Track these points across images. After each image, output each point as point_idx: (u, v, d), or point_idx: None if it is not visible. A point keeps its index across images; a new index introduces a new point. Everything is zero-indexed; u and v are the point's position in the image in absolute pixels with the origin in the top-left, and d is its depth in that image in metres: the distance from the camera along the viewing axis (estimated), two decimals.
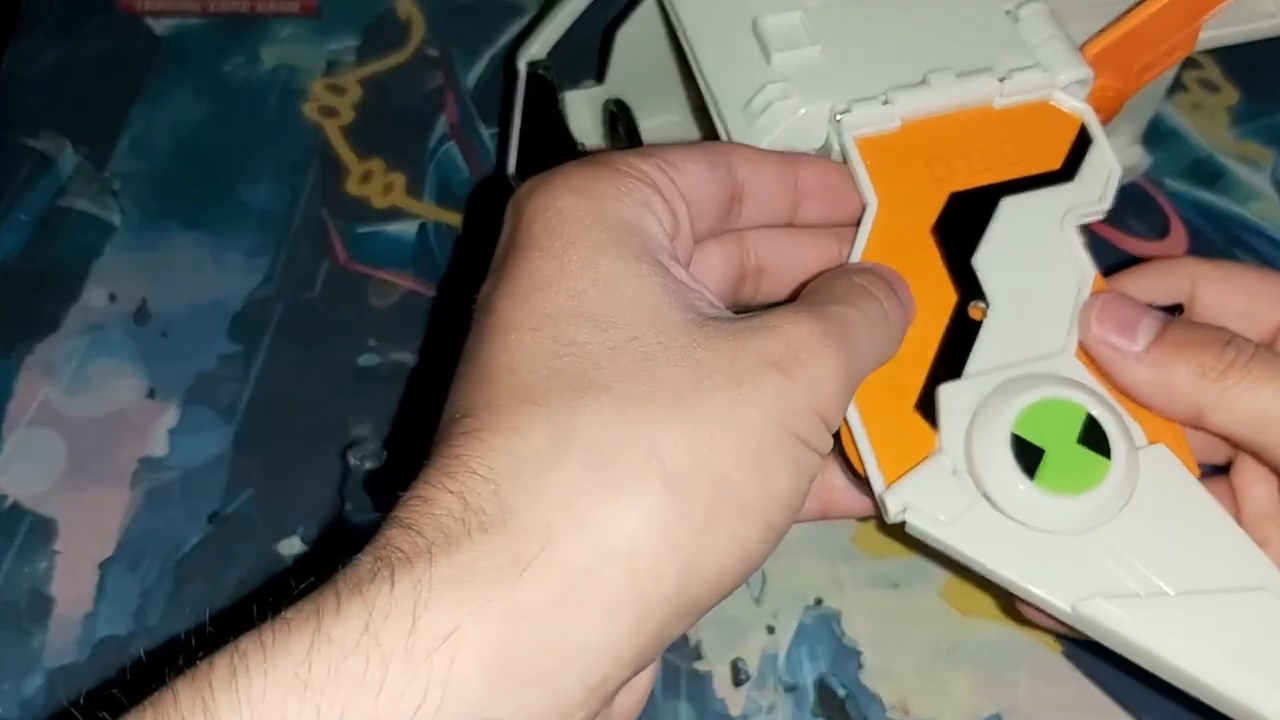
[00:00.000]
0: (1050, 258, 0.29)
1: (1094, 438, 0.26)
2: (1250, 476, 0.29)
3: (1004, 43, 0.32)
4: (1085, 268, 0.29)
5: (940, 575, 0.38)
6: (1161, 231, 0.46)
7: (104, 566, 0.38)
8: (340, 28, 0.51)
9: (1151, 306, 0.29)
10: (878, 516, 0.27)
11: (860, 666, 0.37)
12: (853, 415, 0.27)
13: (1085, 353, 0.28)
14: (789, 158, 0.29)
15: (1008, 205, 0.30)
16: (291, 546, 0.38)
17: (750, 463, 0.22)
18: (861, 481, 0.27)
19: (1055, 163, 0.31)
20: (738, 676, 0.36)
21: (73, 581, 0.38)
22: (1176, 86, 0.48)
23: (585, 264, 0.23)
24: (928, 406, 0.27)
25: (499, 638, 0.19)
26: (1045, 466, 0.26)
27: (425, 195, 0.46)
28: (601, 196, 0.24)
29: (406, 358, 0.42)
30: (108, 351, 0.42)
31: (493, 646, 0.19)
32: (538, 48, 0.39)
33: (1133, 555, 0.25)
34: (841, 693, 0.36)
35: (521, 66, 0.39)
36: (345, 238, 0.45)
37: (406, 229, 0.45)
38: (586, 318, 0.22)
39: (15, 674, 0.36)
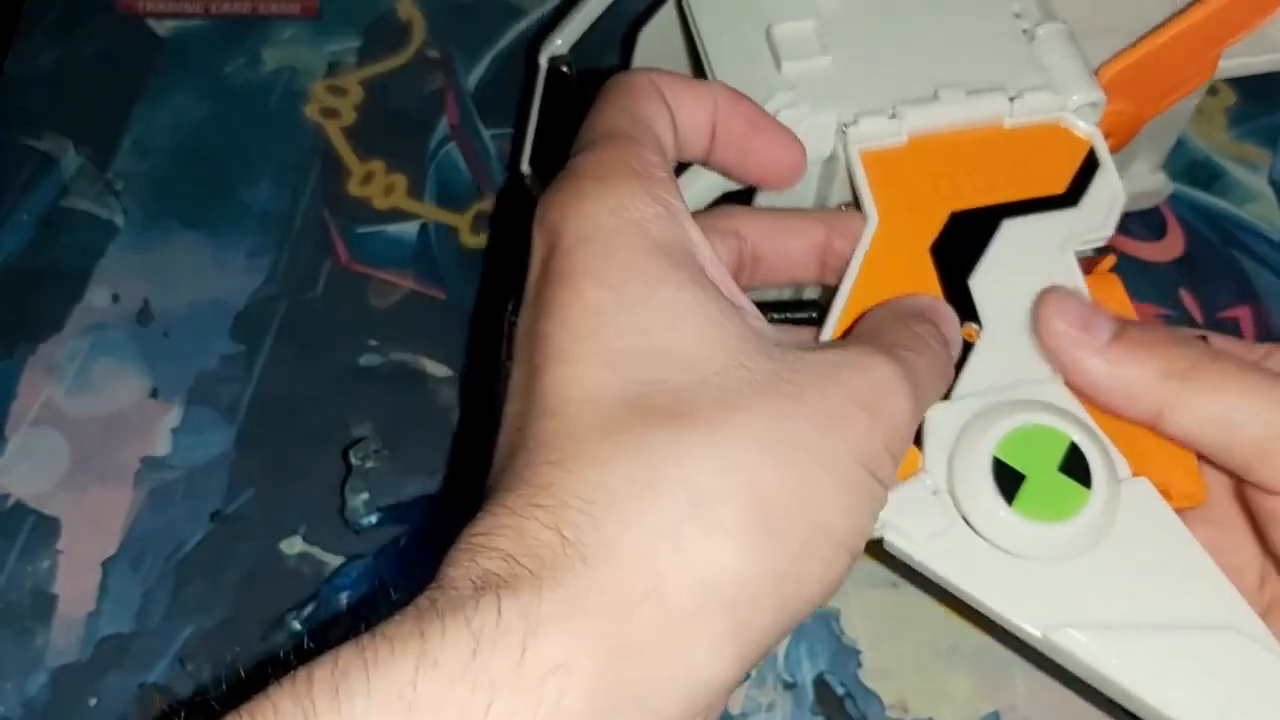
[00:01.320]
0: (1046, 282, 0.29)
1: (1076, 466, 0.26)
2: None
3: (1018, 61, 0.32)
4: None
5: None
6: (1159, 232, 0.46)
7: (106, 565, 0.38)
8: (341, 29, 0.51)
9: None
10: None
11: (859, 665, 0.37)
12: None
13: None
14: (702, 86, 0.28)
15: (1008, 227, 0.30)
16: (293, 546, 0.39)
17: (840, 499, 0.22)
18: None
19: (1060, 186, 0.30)
20: None
21: (75, 580, 0.38)
22: None
23: (645, 296, 0.22)
24: None
25: (606, 672, 0.19)
26: (1025, 492, 0.25)
27: (426, 196, 0.47)
28: (644, 219, 0.23)
29: (407, 358, 0.43)
30: (110, 351, 0.42)
31: (601, 681, 0.19)
32: (561, 43, 0.39)
33: (1107, 586, 0.25)
34: (840, 691, 0.36)
35: (543, 62, 0.39)
36: (346, 238, 0.45)
37: (407, 229, 0.46)
38: (662, 356, 0.22)
39: (18, 673, 0.36)
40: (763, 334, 0.24)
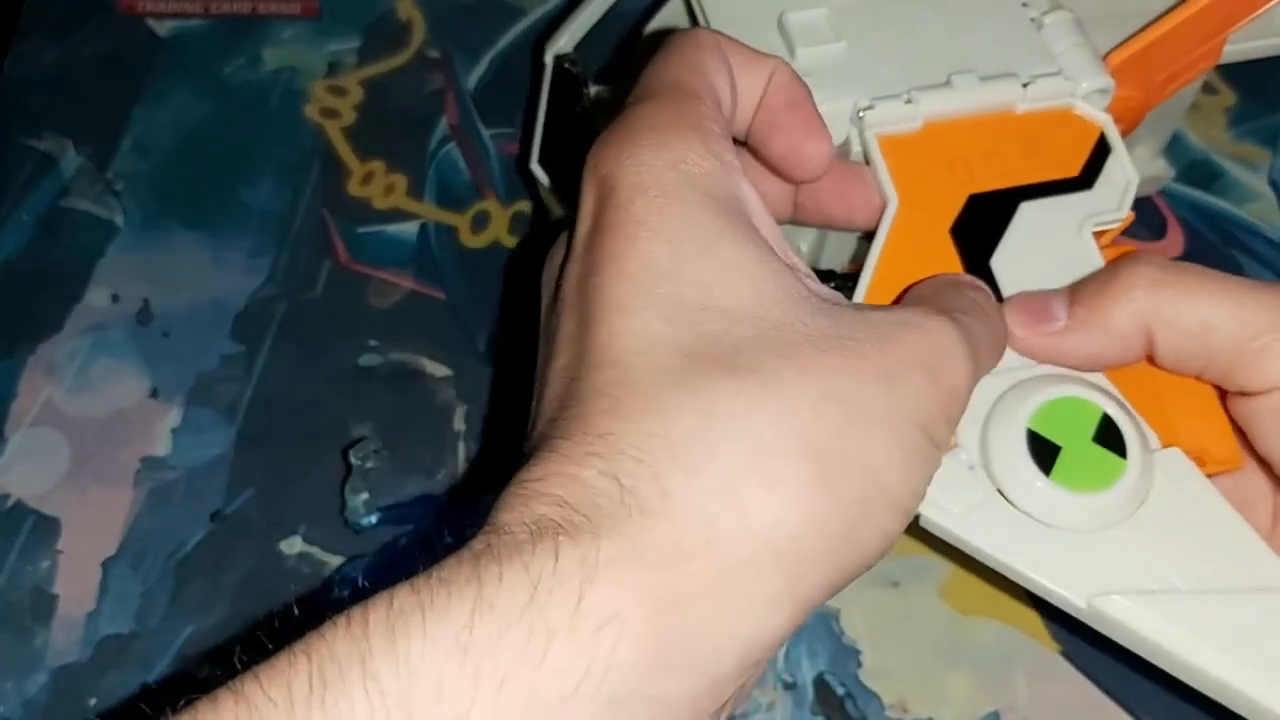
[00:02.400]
0: (1067, 262, 0.29)
1: (1109, 437, 0.26)
2: None
3: (1028, 49, 0.33)
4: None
5: (939, 574, 0.38)
6: (1159, 232, 0.46)
7: (106, 565, 0.38)
8: (341, 29, 0.51)
9: None
10: None
11: (859, 665, 0.37)
12: None
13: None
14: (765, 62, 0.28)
15: (1026, 210, 0.30)
16: (293, 546, 0.39)
17: (898, 459, 0.22)
18: None
19: (1074, 170, 0.31)
20: None
21: (75, 580, 0.38)
22: None
23: (703, 251, 0.22)
24: None
25: (661, 624, 0.19)
26: (1061, 463, 0.26)
27: (426, 196, 0.47)
28: (701, 174, 0.23)
29: (407, 358, 0.43)
30: (110, 351, 0.42)
31: (654, 632, 0.19)
32: (565, 41, 0.39)
33: (1147, 554, 0.25)
34: (840, 691, 0.36)
35: (549, 60, 0.39)
36: (346, 238, 0.45)
37: (407, 229, 0.46)
38: (720, 310, 0.22)
39: (18, 673, 0.36)
40: (819, 293, 0.23)
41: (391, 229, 0.46)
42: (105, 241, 0.45)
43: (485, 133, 0.48)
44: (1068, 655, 0.37)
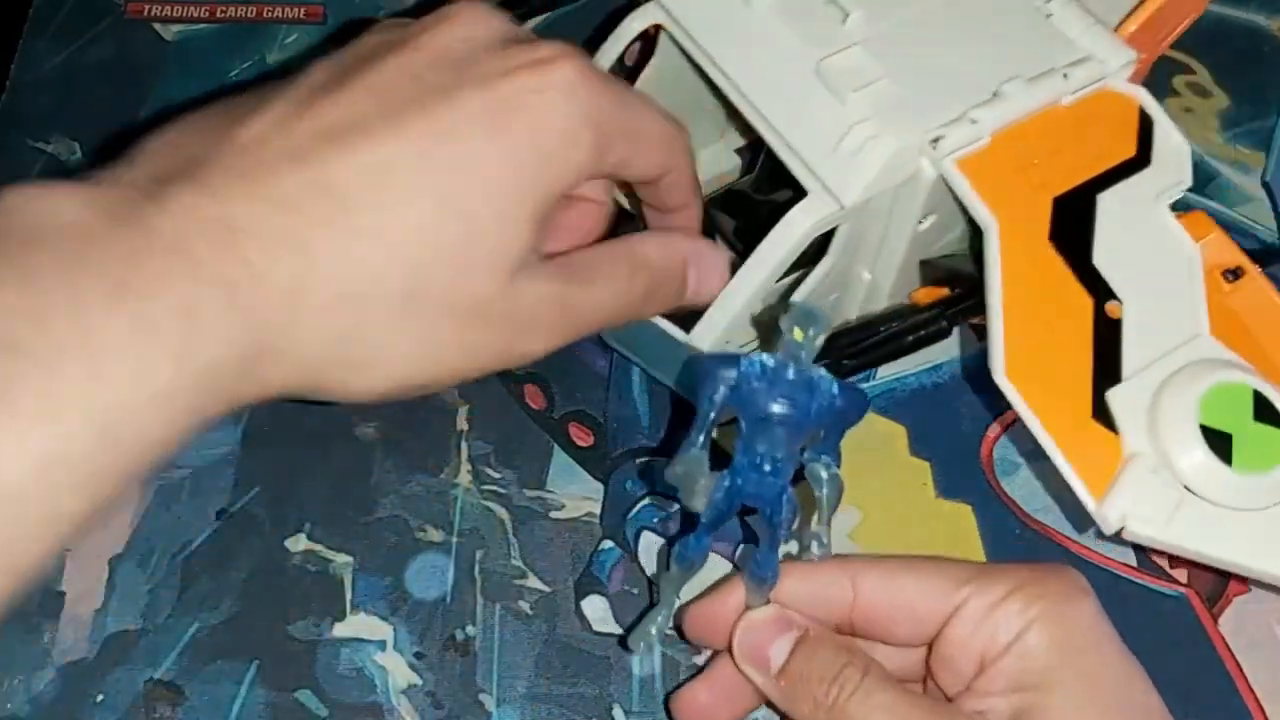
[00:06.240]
0: (1156, 242, 0.31)
1: (1266, 412, 0.28)
2: None
3: (1049, 42, 0.33)
4: (1188, 248, 0.31)
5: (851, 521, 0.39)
6: None
7: (114, 563, 0.38)
8: (345, 34, 0.51)
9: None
10: None
11: None
12: (1046, 441, 0.28)
13: (1219, 330, 0.30)
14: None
15: (1105, 200, 0.31)
16: (298, 543, 0.39)
17: None
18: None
19: (1130, 149, 0.32)
20: None
21: (83, 578, 0.38)
22: (1168, 91, 0.49)
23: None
24: (1102, 413, 0.28)
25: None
26: (1237, 450, 0.27)
27: None
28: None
29: None
30: None
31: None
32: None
33: None
34: None
35: None
36: None
37: None
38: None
39: (26, 669, 0.36)
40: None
41: None
42: None
43: None
44: None
